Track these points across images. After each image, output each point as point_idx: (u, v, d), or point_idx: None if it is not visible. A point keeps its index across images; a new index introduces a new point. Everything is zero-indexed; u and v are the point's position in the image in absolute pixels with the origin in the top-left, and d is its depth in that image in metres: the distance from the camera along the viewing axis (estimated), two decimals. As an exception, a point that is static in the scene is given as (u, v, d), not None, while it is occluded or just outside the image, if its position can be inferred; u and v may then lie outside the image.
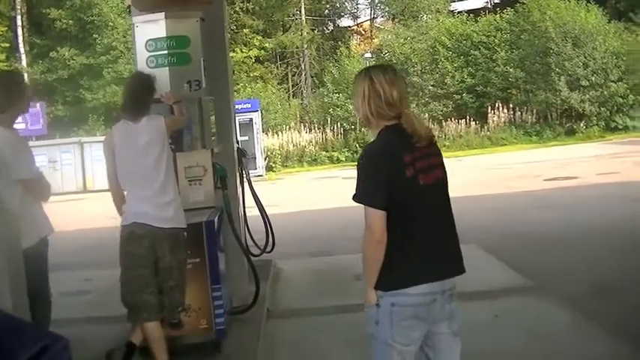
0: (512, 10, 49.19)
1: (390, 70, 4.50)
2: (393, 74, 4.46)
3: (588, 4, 44.61)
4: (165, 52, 8.07)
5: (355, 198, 4.33)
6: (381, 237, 4.22)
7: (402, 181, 4.26)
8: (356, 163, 4.49)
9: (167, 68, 8.01)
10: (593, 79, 42.82)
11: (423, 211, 4.33)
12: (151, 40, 8.12)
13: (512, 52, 46.69)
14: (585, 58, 42.96)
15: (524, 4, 47.84)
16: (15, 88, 6.21)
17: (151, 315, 6.56)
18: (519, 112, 44.92)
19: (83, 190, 36.97)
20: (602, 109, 43.23)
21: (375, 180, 4.28)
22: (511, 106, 45.09)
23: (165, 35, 8.08)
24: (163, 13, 8.10)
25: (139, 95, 6.81)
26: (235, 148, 9.77)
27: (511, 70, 45.62)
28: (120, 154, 6.65)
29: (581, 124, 43.37)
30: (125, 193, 6.75)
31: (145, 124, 6.60)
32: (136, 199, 6.58)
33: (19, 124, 34.33)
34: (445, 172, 4.56)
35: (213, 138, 8.48)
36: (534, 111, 44.70)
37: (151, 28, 8.18)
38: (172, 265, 6.54)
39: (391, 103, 4.36)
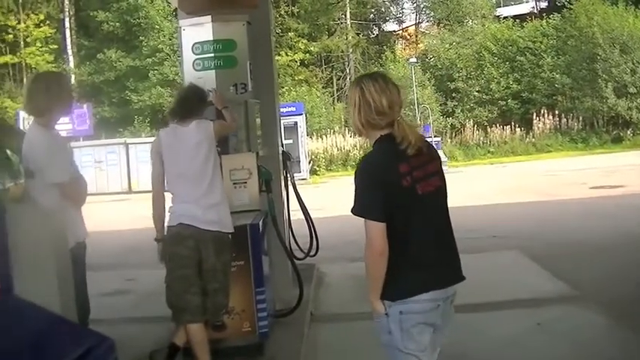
0: (559, 15, 48.86)
1: (380, 78, 4.46)
2: (384, 82, 4.41)
3: (637, 10, 44.20)
4: (212, 55, 8.08)
5: (354, 211, 4.33)
6: (383, 249, 4.21)
7: (400, 191, 4.24)
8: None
9: (213, 71, 8.02)
10: (641, 86, 42.37)
11: (422, 220, 4.31)
12: (197, 43, 8.14)
13: (559, 58, 46.41)
14: (633, 64, 42.61)
15: (571, 9, 47.47)
16: (55, 89, 6.16)
17: (194, 316, 6.57)
18: (565, 119, 44.64)
19: (128, 191, 37.27)
20: (649, 116, 42.73)
21: (372, 192, 4.26)
22: (557, 112, 44.82)
23: (211, 38, 8.10)
24: (210, 17, 8.12)
25: (189, 102, 6.82)
26: (280, 152, 9.77)
27: (557, 76, 45.35)
28: (168, 156, 6.67)
29: (628, 132, 42.99)
30: (171, 195, 6.77)
31: (194, 127, 6.60)
32: (183, 200, 6.59)
33: (66, 125, 34.86)
34: (443, 179, 4.53)
35: (258, 141, 8.47)
36: (580, 118, 44.38)
37: (197, 32, 8.20)
38: (216, 267, 6.54)
39: (381, 111, 4.31)
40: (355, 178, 4.36)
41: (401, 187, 4.22)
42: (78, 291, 5.87)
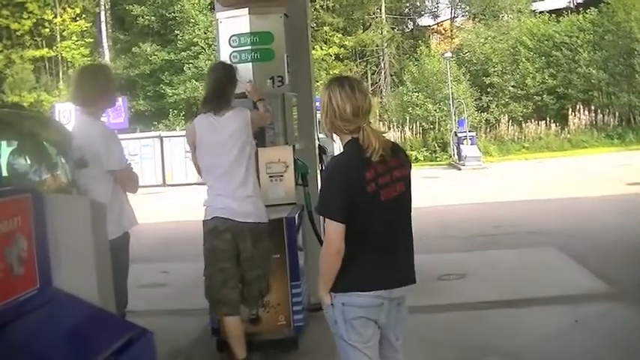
0: (596, 10, 48.25)
1: (347, 85, 4.49)
2: (350, 89, 4.45)
3: (676, 4, 43.73)
4: (249, 47, 8.08)
5: (317, 210, 4.50)
6: (339, 249, 4.33)
7: (363, 196, 4.33)
8: (409, 166, 4.66)
9: (250, 64, 8.01)
10: (680, 81, 41.93)
11: (380, 225, 4.42)
12: (234, 35, 8.14)
13: (595, 53, 45.87)
14: (672, 60, 42.09)
15: (608, 4, 46.92)
16: (104, 81, 6.23)
17: (231, 309, 6.61)
18: (601, 115, 44.15)
19: (163, 184, 37.41)
20: (687, 113, 42.29)
21: (335, 194, 4.36)
22: (592, 108, 44.33)
23: (249, 31, 8.09)
24: (247, 9, 8.11)
25: (221, 86, 6.79)
26: (317, 145, 9.76)
27: (593, 71, 44.86)
28: (202, 148, 6.68)
29: (666, 128, 42.48)
30: (206, 187, 6.78)
31: (230, 117, 6.60)
32: (217, 194, 6.60)
33: (103, 118, 35.09)
34: (409, 184, 4.62)
35: (295, 134, 8.45)
36: (617, 113, 43.93)
37: (234, 24, 8.19)
38: (254, 256, 6.59)
39: (345, 118, 4.40)
40: (322, 177, 4.53)
41: (364, 193, 4.35)
42: (118, 281, 5.92)
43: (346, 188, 4.31)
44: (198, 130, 6.72)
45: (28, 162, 5.85)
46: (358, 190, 4.31)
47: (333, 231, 4.31)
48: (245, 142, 6.61)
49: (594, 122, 44.34)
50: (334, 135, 4.61)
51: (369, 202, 4.34)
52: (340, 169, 4.44)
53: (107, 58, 54.00)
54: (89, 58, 51.72)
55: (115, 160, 6.00)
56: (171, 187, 35.87)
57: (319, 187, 4.52)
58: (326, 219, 4.38)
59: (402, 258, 4.56)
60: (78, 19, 52.39)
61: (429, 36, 63.93)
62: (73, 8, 52.34)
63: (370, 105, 4.52)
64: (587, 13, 48.85)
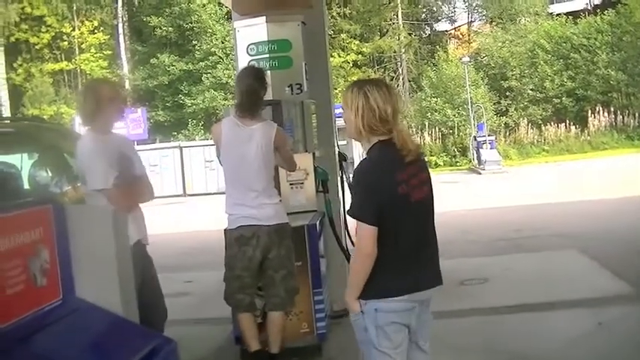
0: (613, 11, 48.13)
1: (384, 86, 4.51)
2: (387, 90, 4.47)
3: (694, 4, 43.55)
4: (267, 55, 8.11)
5: (349, 212, 4.41)
6: (371, 251, 4.29)
7: (395, 198, 4.33)
8: (351, 178, 4.67)
9: (269, 72, 8.01)
10: (699, 81, 41.73)
11: (410, 226, 4.40)
12: (252, 44, 8.17)
13: (614, 54, 45.73)
14: (690, 59, 41.90)
15: (625, 4, 46.79)
16: (101, 96, 6.05)
17: (246, 310, 6.73)
18: (621, 116, 44.00)
19: (183, 194, 37.52)
20: None
21: (367, 197, 4.34)
22: (612, 109, 44.19)
23: (266, 39, 8.11)
24: (264, 17, 8.13)
25: (254, 93, 6.75)
26: (336, 152, 9.75)
27: (612, 72, 44.72)
28: (225, 153, 6.69)
29: (686, 128, 42.26)
30: (227, 193, 6.79)
31: (256, 129, 6.60)
32: (239, 202, 6.61)
33: (121, 130, 35.19)
34: (432, 187, 4.62)
35: (314, 142, 8.45)
36: (636, 114, 43.74)
37: (252, 32, 8.23)
38: (281, 254, 6.65)
39: (384, 119, 4.37)
40: (353, 180, 4.51)
41: (396, 194, 4.33)
42: (152, 292, 5.92)
43: (378, 190, 4.30)
44: (224, 133, 6.69)
45: (50, 174, 5.90)
46: (390, 191, 4.30)
47: (366, 234, 4.28)
48: (266, 155, 6.61)
49: (614, 124, 44.18)
50: (358, 139, 4.54)
51: (400, 204, 4.33)
52: (372, 171, 4.40)
53: (125, 69, 54.31)
54: (108, 70, 52.04)
55: (97, 180, 5.83)
56: (192, 197, 35.95)
57: (351, 191, 4.45)
58: (358, 222, 4.33)
59: (431, 259, 4.56)
60: (96, 31, 52.68)
61: (447, 41, 63.93)
62: (91, 21, 52.64)
63: (400, 106, 4.54)
64: (604, 14, 48.68)
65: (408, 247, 4.40)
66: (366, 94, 4.38)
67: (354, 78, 52.50)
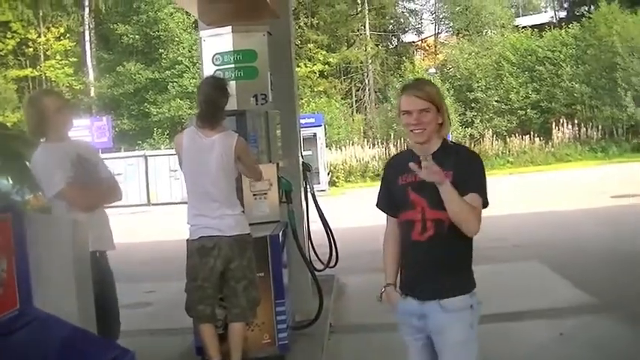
0: (578, 24, 48.81)
1: None
2: None
3: (657, 19, 44.13)
4: (232, 65, 8.10)
5: (483, 199, 4.31)
6: (385, 237, 4.63)
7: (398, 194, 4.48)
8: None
9: (234, 82, 8.01)
10: (661, 94, 42.21)
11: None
12: (218, 54, 8.16)
13: (578, 67, 46.34)
14: (653, 72, 42.40)
15: (590, 18, 47.52)
16: (44, 107, 6.01)
17: (206, 321, 6.69)
18: (584, 128, 44.49)
19: (147, 203, 37.34)
20: (669, 125, 42.56)
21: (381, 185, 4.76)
22: (576, 122, 44.66)
23: (232, 49, 8.10)
24: (230, 27, 8.12)
25: (213, 103, 6.69)
26: (300, 163, 9.75)
27: (576, 85, 45.27)
28: (186, 164, 6.67)
29: (648, 140, 42.74)
30: (188, 204, 6.75)
31: (216, 140, 6.55)
32: (199, 214, 6.58)
33: (86, 138, 34.99)
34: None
35: (279, 152, 8.45)
36: (600, 127, 44.26)
37: (218, 42, 8.21)
38: (243, 265, 6.60)
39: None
40: (479, 168, 4.40)
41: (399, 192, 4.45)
42: (108, 301, 5.86)
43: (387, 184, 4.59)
44: (185, 144, 6.67)
45: (10, 182, 5.85)
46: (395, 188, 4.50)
47: (481, 213, 4.27)
48: (227, 166, 6.58)
49: (578, 136, 44.67)
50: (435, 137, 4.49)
51: (404, 202, 4.39)
52: (388, 164, 4.76)
53: (91, 77, 54.08)
54: (73, 78, 51.78)
55: (48, 186, 5.82)
56: (156, 207, 35.80)
57: (477, 173, 4.41)
58: (480, 201, 4.27)
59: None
60: (62, 38, 52.46)
61: (413, 52, 64.37)
62: (57, 28, 52.38)
63: None
64: (569, 27, 49.43)
65: (413, 252, 4.41)
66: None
67: (320, 88, 52.73)
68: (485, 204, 4.26)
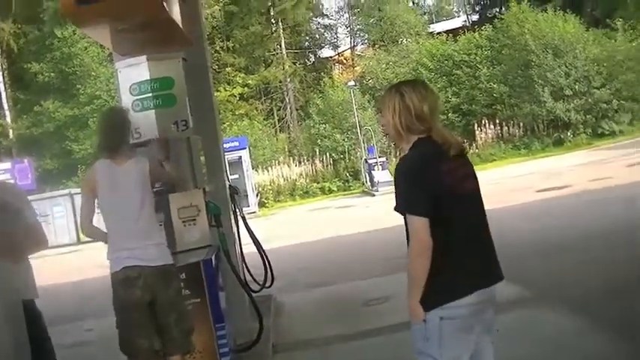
0: (491, 26, 49.63)
1: (420, 85, 4.55)
2: (424, 89, 4.49)
3: (565, 15, 45.04)
4: (150, 94, 8.03)
5: (397, 208, 4.33)
6: (428, 243, 4.17)
7: (442, 188, 4.26)
8: (393, 179, 4.47)
9: (153, 111, 7.97)
10: (577, 87, 43.12)
11: (463, 220, 4.32)
12: (134, 84, 8.09)
13: (494, 68, 47.13)
14: (567, 67, 43.25)
15: (502, 19, 48.45)
16: None
17: (146, 358, 6.51)
18: (506, 127, 45.20)
19: (77, 242, 36.84)
20: (587, 116, 43.46)
21: (415, 188, 4.27)
22: (497, 121, 45.33)
23: (148, 78, 8.06)
24: (145, 56, 8.08)
25: (115, 130, 6.64)
26: (227, 186, 9.75)
27: (495, 85, 46.03)
28: (102, 197, 6.52)
29: (569, 133, 43.50)
30: (108, 238, 6.63)
31: (131, 167, 6.50)
32: (122, 245, 6.45)
33: (9, 181, 34.43)
34: (477, 182, 4.60)
35: (204, 177, 8.43)
36: (521, 124, 44.95)
37: (133, 72, 8.14)
38: (171, 297, 6.48)
39: (421, 117, 4.37)
40: (396, 179, 4.38)
41: (442, 185, 4.27)
42: (42, 344, 5.75)
43: (425, 183, 4.24)
44: (99, 174, 6.54)
45: None
46: (436, 182, 4.26)
47: (420, 227, 4.18)
48: (144, 191, 6.51)
49: (500, 135, 45.34)
50: (398, 141, 4.54)
51: (447, 194, 4.26)
52: (417, 165, 4.34)
53: (8, 119, 53.26)
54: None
55: None
56: (86, 244, 35.35)
57: (397, 187, 4.35)
58: (408, 216, 4.25)
59: (489, 254, 4.52)
60: (-26, 81, 51.67)
61: (331, 67, 64.89)
62: (-31, 72, 51.61)
63: (439, 105, 4.58)
64: (482, 30, 50.19)
65: (465, 243, 4.32)
66: (402, 94, 4.42)
67: (242, 111, 52.74)
68: (415, 213, 4.23)
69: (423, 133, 4.41)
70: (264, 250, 10.52)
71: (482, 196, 4.53)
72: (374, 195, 37.01)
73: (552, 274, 10.95)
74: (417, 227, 4.20)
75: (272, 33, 60.49)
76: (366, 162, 40.96)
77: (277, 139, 54.06)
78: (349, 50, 67.42)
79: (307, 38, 66.70)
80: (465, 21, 65.37)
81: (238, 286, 8.43)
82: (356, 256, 15.58)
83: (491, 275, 4.46)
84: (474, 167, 4.62)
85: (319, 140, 47.13)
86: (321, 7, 67.96)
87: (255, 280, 10.45)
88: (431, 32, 60.46)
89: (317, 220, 30.05)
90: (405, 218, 4.34)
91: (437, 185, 4.25)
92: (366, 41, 65.65)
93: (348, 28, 67.74)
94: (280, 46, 60.32)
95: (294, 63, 61.10)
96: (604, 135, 43.26)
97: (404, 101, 4.39)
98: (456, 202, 4.30)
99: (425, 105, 4.38)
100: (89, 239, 7.24)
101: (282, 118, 59.66)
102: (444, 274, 4.22)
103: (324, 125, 47.88)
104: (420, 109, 4.37)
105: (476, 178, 4.59)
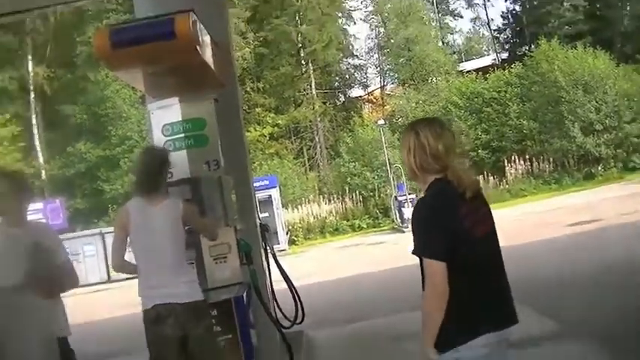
0: (520, 64, 49.64)
1: (437, 124, 4.52)
2: (440, 127, 4.47)
3: (595, 51, 44.99)
4: (182, 135, 8.15)
5: (415, 251, 4.31)
6: (444, 289, 4.15)
7: (460, 232, 4.23)
8: (410, 221, 4.46)
9: (185, 151, 8.10)
10: (607, 122, 43.06)
11: (480, 262, 4.29)
12: (167, 124, 8.20)
13: (524, 104, 47.02)
14: (597, 102, 43.15)
15: (531, 56, 48.32)
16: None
17: None
18: (536, 162, 45.02)
19: (107, 280, 36.94)
20: (618, 150, 43.42)
21: (433, 232, 4.24)
22: (527, 157, 45.16)
23: (180, 119, 8.17)
24: (177, 98, 8.19)
25: (154, 171, 6.69)
26: (258, 224, 9.84)
27: (524, 122, 45.94)
28: (136, 235, 6.58)
29: (599, 168, 43.32)
30: (139, 276, 6.72)
31: (163, 207, 6.56)
32: (152, 283, 6.49)
33: (41, 220, 34.64)
34: (494, 222, 4.53)
35: (235, 217, 8.52)
36: (551, 159, 44.75)
37: (166, 113, 8.25)
38: (202, 333, 6.48)
39: (436, 155, 4.34)
40: (414, 220, 4.38)
41: (461, 228, 4.25)
42: None
43: (444, 225, 4.21)
44: (132, 212, 6.60)
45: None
46: (454, 225, 4.23)
47: (436, 270, 4.16)
48: (177, 232, 6.57)
49: (530, 170, 45.16)
50: (415, 179, 4.54)
51: (465, 238, 4.24)
52: (435, 208, 4.33)
53: (41, 160, 53.72)
54: (23, 162, 51.37)
55: (10, 275, 5.51)
56: (117, 282, 35.46)
57: (414, 230, 4.35)
58: (425, 260, 4.25)
59: (505, 296, 4.46)
60: (8, 124, 52.03)
61: (361, 106, 64.94)
62: (3, 114, 52.00)
63: (457, 143, 4.54)
64: (512, 67, 50.20)
65: (481, 285, 4.27)
66: (417, 132, 4.41)
67: (272, 150, 52.89)
68: (432, 257, 4.22)
69: (438, 172, 4.39)
70: (294, 287, 10.57)
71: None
72: (403, 232, 36.91)
73: (582, 306, 10.87)
74: (433, 271, 4.20)
75: (302, 74, 60.67)
76: (396, 199, 40.89)
77: (307, 178, 54.04)
78: (379, 89, 67.60)
79: (337, 78, 66.81)
80: (495, 59, 65.34)
81: (269, 323, 8.48)
82: (387, 292, 15.57)
83: (507, 318, 4.42)
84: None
85: (349, 178, 47.14)
86: (350, 47, 68.17)
87: (285, 316, 10.47)
88: (461, 70, 60.39)
89: (347, 256, 30.00)
90: (421, 261, 4.33)
91: (455, 229, 4.23)
92: (395, 80, 65.60)
93: (378, 68, 68.06)
94: (310, 86, 60.46)
95: (324, 103, 61.16)
96: (635, 169, 43.04)
97: (419, 140, 4.39)
98: (474, 245, 4.27)
99: (440, 144, 4.37)
100: (119, 278, 7.32)
101: (312, 157, 59.72)
102: (459, 317, 4.20)
103: (353, 163, 47.94)
104: (436, 148, 4.35)
105: (491, 217, 4.53)
